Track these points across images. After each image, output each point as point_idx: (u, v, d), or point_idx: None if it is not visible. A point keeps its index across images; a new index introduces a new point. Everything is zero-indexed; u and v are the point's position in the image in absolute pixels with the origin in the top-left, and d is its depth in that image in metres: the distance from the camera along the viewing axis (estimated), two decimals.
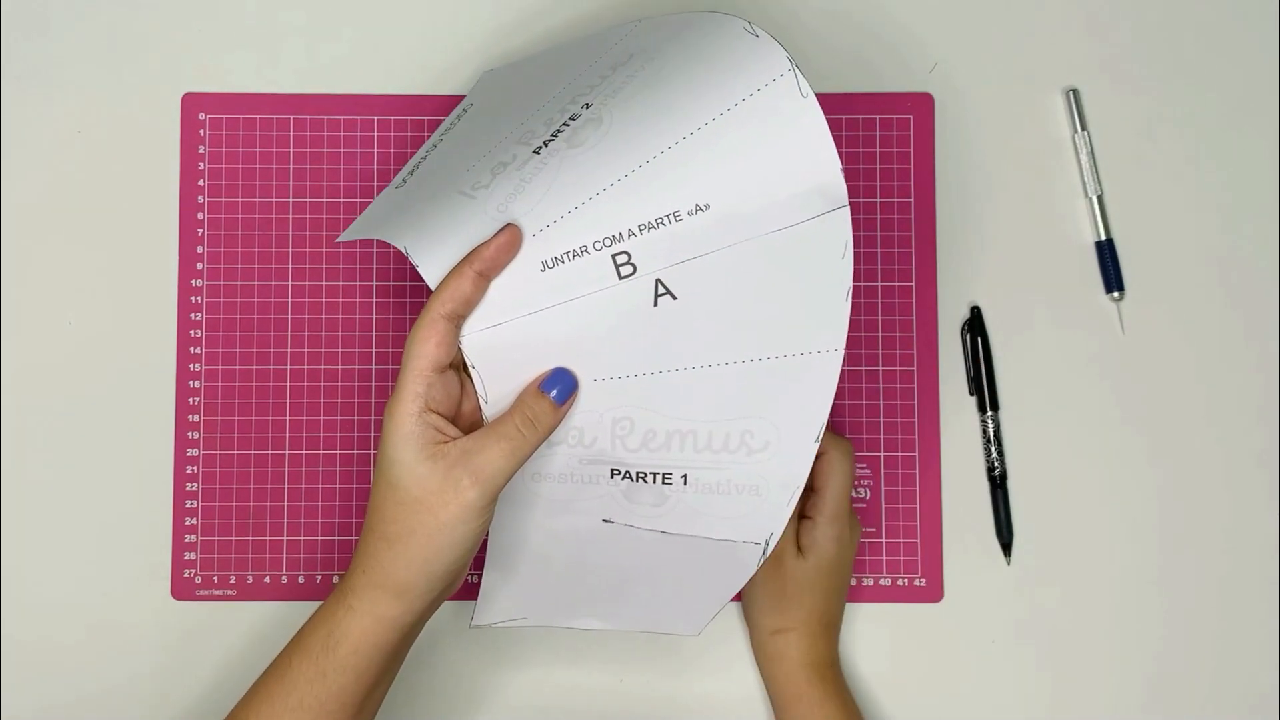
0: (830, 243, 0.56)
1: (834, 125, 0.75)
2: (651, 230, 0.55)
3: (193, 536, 0.74)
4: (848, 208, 0.55)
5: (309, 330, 0.75)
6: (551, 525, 0.62)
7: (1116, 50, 0.76)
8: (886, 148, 0.76)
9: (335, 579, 0.74)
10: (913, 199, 0.75)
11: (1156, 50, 0.76)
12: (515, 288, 0.57)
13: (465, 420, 0.60)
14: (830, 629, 0.70)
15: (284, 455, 0.74)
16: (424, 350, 0.57)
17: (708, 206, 0.55)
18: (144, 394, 0.75)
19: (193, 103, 0.76)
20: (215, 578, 0.74)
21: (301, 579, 0.74)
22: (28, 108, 0.76)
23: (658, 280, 0.56)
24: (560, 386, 0.58)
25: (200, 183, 0.75)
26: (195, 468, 0.74)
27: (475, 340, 0.58)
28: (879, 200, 0.75)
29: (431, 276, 0.57)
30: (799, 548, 0.69)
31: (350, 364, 0.75)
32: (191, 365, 0.75)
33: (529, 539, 0.63)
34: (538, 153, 0.56)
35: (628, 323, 0.57)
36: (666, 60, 0.56)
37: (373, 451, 0.74)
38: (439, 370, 0.58)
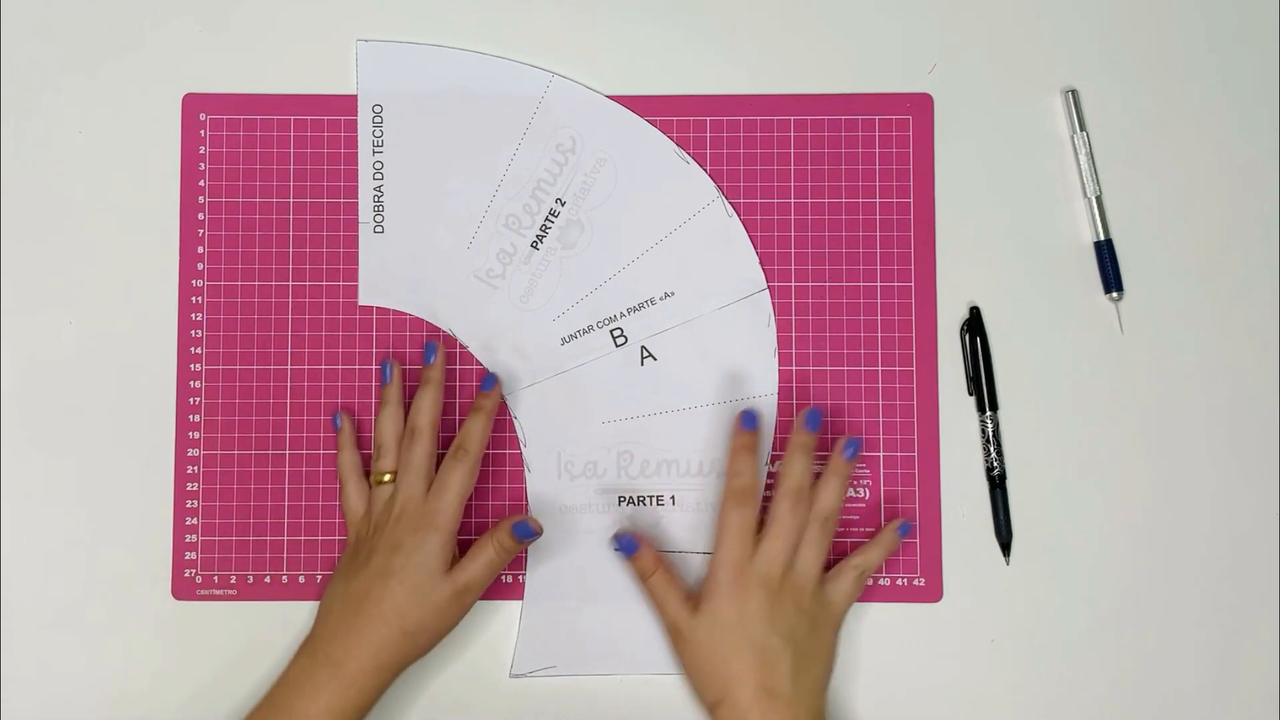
0: (758, 315, 0.75)
1: (833, 125, 0.75)
2: (635, 311, 0.75)
3: (193, 536, 0.74)
4: (767, 290, 0.75)
5: (309, 330, 0.75)
6: (576, 559, 0.74)
7: (1116, 50, 0.76)
8: (886, 148, 0.76)
9: None
10: (912, 199, 0.76)
11: (1156, 50, 0.76)
12: (545, 357, 0.75)
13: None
14: (768, 696, 0.66)
15: (284, 455, 0.74)
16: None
17: (673, 293, 0.75)
18: (144, 394, 0.75)
19: (193, 103, 0.76)
20: (215, 578, 0.74)
21: (302, 579, 0.74)
22: (28, 107, 0.76)
23: (642, 346, 0.75)
24: (522, 530, 0.71)
25: (200, 183, 0.75)
26: (195, 468, 0.74)
27: (518, 397, 0.75)
28: (878, 200, 0.75)
29: (488, 362, 0.75)
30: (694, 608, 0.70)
31: (350, 364, 0.75)
32: (192, 365, 0.75)
33: (561, 575, 0.74)
34: (536, 247, 0.75)
35: (623, 378, 0.75)
36: (618, 171, 0.76)
37: (371, 451, 0.74)
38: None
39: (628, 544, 0.72)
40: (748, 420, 0.72)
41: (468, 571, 0.69)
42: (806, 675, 0.68)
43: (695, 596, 0.70)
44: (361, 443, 0.74)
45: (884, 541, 0.72)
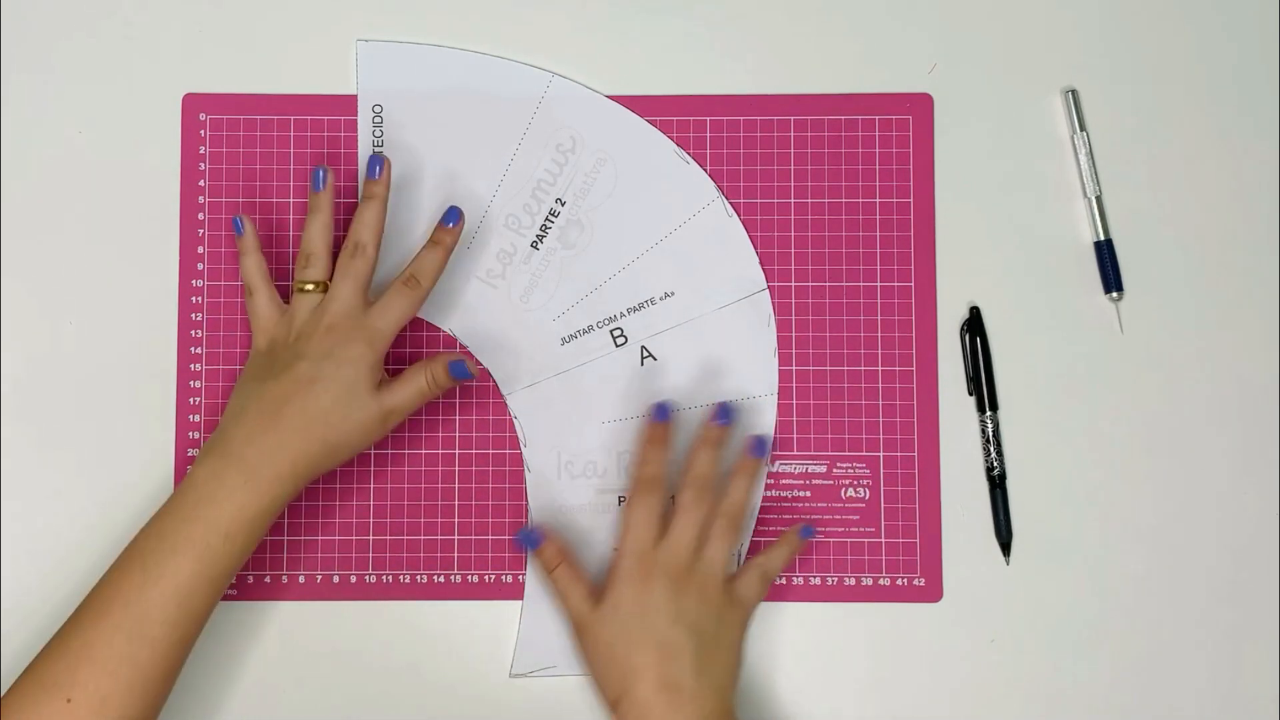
0: (758, 315, 0.75)
1: (833, 125, 0.75)
2: (636, 312, 0.75)
3: None
4: (767, 290, 0.75)
5: None
6: (579, 558, 0.72)
7: (1116, 50, 0.76)
8: (886, 148, 0.76)
9: (334, 578, 0.74)
10: (912, 199, 0.76)
11: (1156, 50, 0.76)
12: (545, 357, 0.75)
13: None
14: (670, 690, 0.64)
15: None
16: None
17: (673, 293, 0.75)
18: (144, 394, 0.75)
19: (193, 103, 0.76)
20: None
21: (302, 579, 0.74)
22: (28, 108, 0.76)
23: (643, 347, 0.75)
24: (458, 368, 0.69)
25: (200, 183, 0.76)
26: None
27: (518, 397, 0.75)
28: (878, 200, 0.75)
29: (488, 362, 0.75)
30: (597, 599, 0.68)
31: None
32: (192, 365, 0.75)
33: None
34: (536, 247, 0.75)
35: (624, 378, 0.75)
36: (618, 171, 0.75)
37: (372, 451, 0.74)
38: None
39: (531, 537, 0.71)
40: (660, 413, 0.72)
41: (396, 395, 0.68)
42: (711, 669, 0.66)
43: (600, 589, 0.69)
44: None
45: (787, 542, 0.71)
